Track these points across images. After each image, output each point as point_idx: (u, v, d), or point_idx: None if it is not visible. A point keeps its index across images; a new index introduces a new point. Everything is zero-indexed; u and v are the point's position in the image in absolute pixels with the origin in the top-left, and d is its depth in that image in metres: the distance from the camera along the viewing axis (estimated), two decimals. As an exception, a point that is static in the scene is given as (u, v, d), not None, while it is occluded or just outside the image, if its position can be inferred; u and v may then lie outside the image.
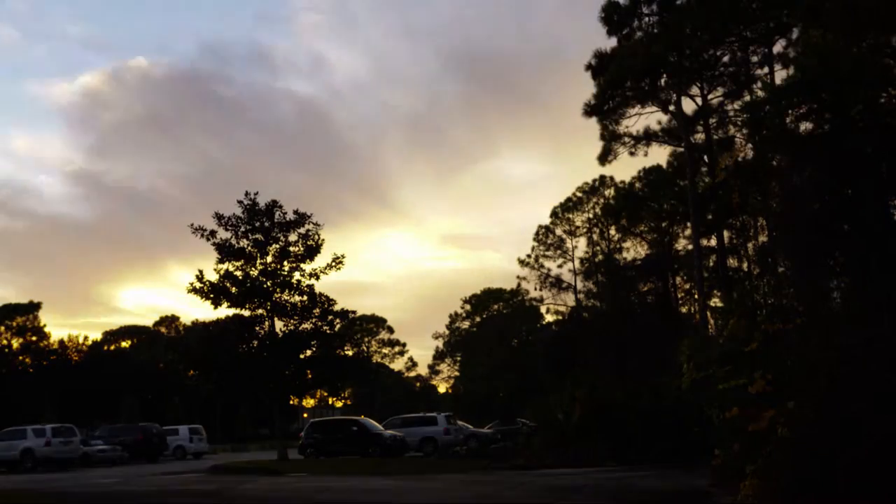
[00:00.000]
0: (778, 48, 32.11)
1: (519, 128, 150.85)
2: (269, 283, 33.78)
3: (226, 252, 33.63)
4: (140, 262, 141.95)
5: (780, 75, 30.16)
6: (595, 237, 59.60)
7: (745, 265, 42.42)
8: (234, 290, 33.46)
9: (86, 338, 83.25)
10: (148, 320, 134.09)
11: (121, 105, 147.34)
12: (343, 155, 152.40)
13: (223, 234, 33.75)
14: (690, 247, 43.59)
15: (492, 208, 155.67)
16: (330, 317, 34.59)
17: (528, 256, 63.43)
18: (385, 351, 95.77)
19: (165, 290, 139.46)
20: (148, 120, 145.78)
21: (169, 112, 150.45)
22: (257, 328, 34.36)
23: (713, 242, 40.33)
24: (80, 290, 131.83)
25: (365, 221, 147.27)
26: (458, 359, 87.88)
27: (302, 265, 34.22)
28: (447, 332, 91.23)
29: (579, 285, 61.30)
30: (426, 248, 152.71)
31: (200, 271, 33.36)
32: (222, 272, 33.67)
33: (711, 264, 42.93)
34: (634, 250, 54.53)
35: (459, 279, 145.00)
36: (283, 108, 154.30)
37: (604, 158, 37.24)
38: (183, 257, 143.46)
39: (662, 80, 34.87)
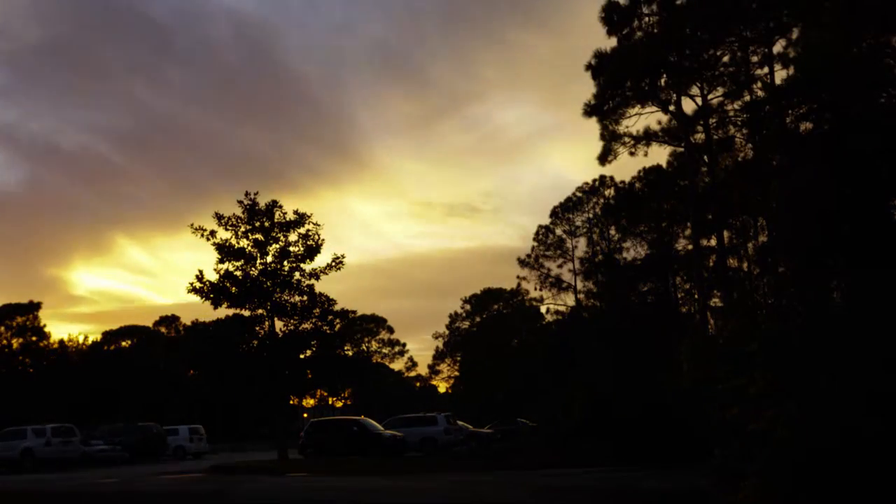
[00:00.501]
0: (778, 48, 32.14)
1: (513, 60, 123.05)
2: (269, 283, 33.80)
3: (226, 252, 33.66)
4: (82, 239, 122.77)
5: (780, 75, 30.22)
6: (595, 237, 59.60)
7: (745, 265, 42.44)
8: (234, 290, 33.49)
9: (86, 338, 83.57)
10: (102, 307, 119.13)
11: (12, 30, 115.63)
12: (297, 96, 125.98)
13: (223, 234, 33.84)
14: (690, 247, 43.62)
15: (482, 167, 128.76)
16: (330, 317, 34.62)
17: (528, 256, 63.55)
18: (385, 351, 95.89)
19: (117, 271, 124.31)
20: (53, 52, 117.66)
21: (76, 39, 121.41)
22: (257, 328, 34.40)
23: (713, 242, 40.35)
24: (14, 271, 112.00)
25: (331, 182, 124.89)
26: (459, 359, 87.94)
27: (302, 265, 34.26)
28: (447, 331, 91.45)
29: (579, 285, 61.36)
30: (404, 218, 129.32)
31: (200, 271, 33.48)
32: (222, 272, 33.71)
33: (711, 264, 42.96)
34: (634, 250, 54.59)
35: (444, 257, 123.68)
36: (219, 33, 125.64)
37: (604, 158, 37.24)
38: (131, 231, 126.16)
39: (662, 80, 34.86)
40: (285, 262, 34.11)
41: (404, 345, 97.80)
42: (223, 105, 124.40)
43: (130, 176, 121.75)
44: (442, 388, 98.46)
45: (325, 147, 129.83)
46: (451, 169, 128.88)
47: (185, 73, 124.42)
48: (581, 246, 61.02)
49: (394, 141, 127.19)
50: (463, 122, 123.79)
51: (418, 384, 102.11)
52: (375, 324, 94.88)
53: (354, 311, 37.35)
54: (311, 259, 34.22)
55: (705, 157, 36.91)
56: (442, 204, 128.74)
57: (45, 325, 77.65)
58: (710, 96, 35.08)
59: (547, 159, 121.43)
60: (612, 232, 57.35)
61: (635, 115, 35.82)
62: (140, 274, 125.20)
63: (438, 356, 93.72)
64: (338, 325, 35.40)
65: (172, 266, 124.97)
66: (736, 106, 34.62)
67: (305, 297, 34.20)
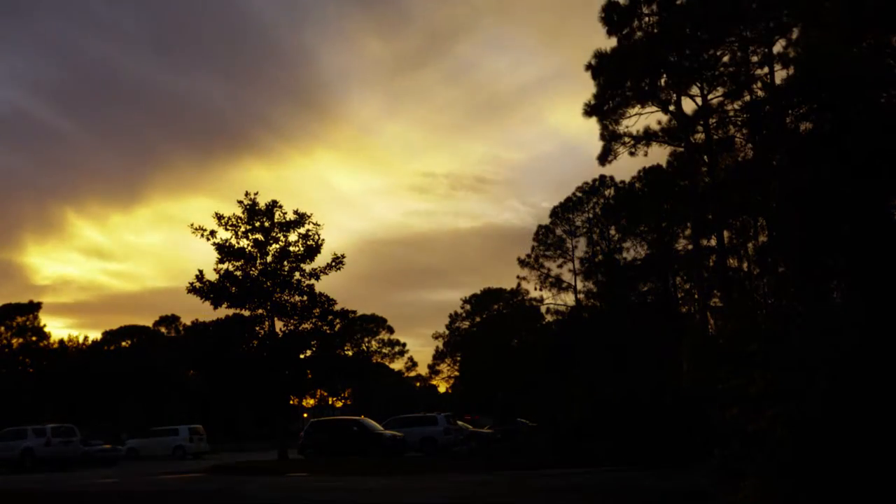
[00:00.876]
0: (778, 48, 32.16)
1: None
2: (269, 283, 33.82)
3: (226, 252, 33.66)
4: (31, 216, 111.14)
5: (780, 75, 30.24)
6: (595, 237, 59.63)
7: (745, 265, 42.46)
8: (234, 290, 33.51)
9: (86, 338, 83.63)
10: (74, 297, 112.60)
11: None
12: (255, 38, 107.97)
13: (223, 234, 33.86)
14: (690, 247, 43.65)
15: (469, 122, 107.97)
16: (330, 317, 34.64)
17: (528, 256, 63.59)
18: (385, 351, 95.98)
19: (75, 255, 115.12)
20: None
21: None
22: (257, 328, 34.41)
23: (713, 242, 40.36)
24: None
25: (302, 146, 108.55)
26: (459, 359, 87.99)
27: (302, 265, 34.27)
28: (447, 331, 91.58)
29: (579, 285, 61.38)
30: (387, 190, 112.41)
31: (200, 271, 33.52)
32: (222, 272, 33.73)
33: (711, 264, 42.97)
34: (634, 250, 54.68)
35: (426, 236, 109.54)
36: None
37: (604, 158, 37.24)
38: (83, 207, 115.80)
39: (662, 80, 34.87)
40: (285, 262, 34.14)
41: (404, 345, 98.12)
42: (168, 53, 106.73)
43: (75, 143, 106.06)
44: (442, 388, 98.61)
45: (291, 101, 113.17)
46: (437, 129, 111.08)
47: (124, 18, 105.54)
48: (581, 246, 61.13)
49: (371, 93, 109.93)
50: (447, 63, 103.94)
51: (418, 384, 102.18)
52: (375, 324, 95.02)
53: (354, 311, 37.45)
54: (311, 259, 34.27)
55: (705, 157, 36.91)
56: (430, 174, 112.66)
57: (45, 325, 77.84)
58: (710, 96, 35.09)
59: (549, 112, 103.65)
60: (612, 232, 57.41)
61: (635, 115, 35.86)
62: (104, 259, 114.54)
63: (438, 356, 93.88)
64: (338, 325, 35.42)
65: (138, 249, 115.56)
66: (736, 106, 34.66)
67: (305, 297, 34.24)
